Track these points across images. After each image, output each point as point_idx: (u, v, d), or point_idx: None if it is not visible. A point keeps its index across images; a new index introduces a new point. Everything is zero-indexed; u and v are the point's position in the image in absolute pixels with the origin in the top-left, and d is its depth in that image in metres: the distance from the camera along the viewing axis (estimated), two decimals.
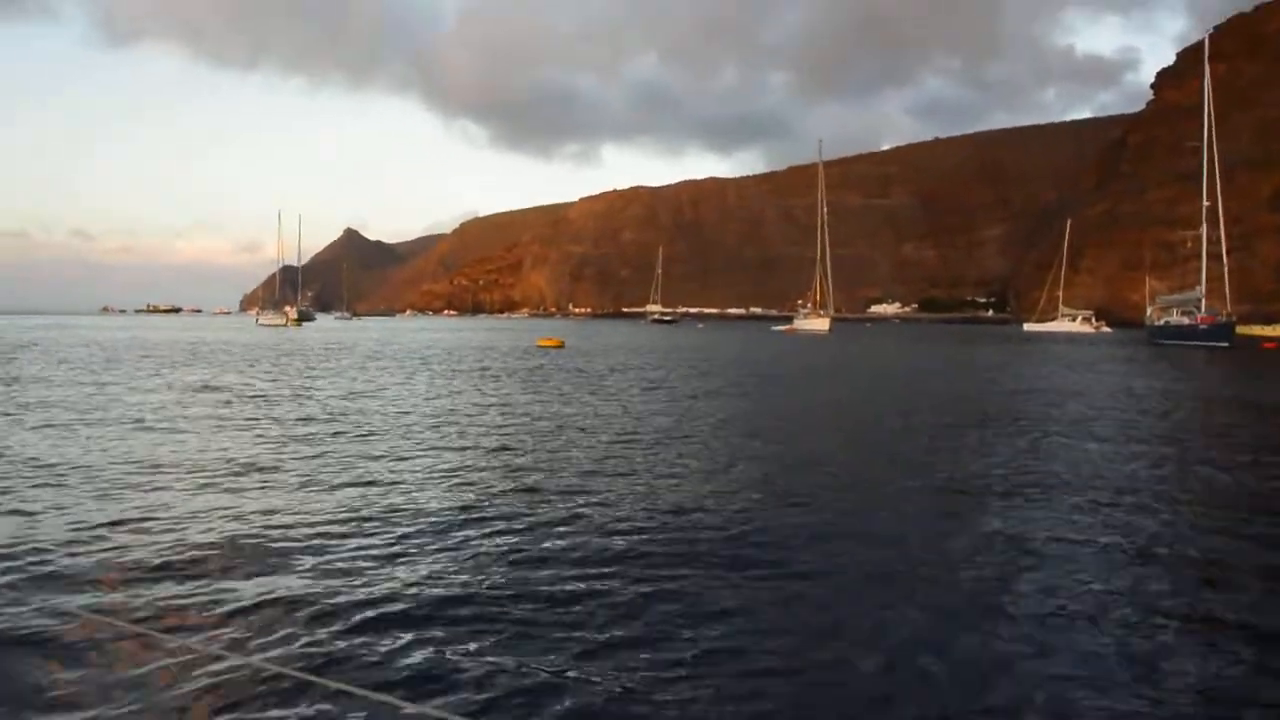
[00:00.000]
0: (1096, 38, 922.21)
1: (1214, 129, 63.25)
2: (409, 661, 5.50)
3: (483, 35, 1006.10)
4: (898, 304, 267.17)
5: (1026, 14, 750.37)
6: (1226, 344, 58.93)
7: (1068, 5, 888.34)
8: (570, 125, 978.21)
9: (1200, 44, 79.71)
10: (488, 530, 8.72)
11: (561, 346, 56.85)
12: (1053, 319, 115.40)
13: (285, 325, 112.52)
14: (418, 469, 12.00)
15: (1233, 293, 63.63)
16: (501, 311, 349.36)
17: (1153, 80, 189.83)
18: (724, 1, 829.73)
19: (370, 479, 11.19)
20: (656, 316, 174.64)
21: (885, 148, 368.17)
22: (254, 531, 8.56)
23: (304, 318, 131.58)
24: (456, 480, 11.23)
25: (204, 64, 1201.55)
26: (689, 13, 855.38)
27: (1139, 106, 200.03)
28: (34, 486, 10.46)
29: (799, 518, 9.33)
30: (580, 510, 9.56)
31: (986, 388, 27.57)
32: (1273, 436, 17.25)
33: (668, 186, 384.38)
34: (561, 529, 8.79)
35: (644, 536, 8.50)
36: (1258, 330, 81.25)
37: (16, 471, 11.39)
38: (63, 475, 11.17)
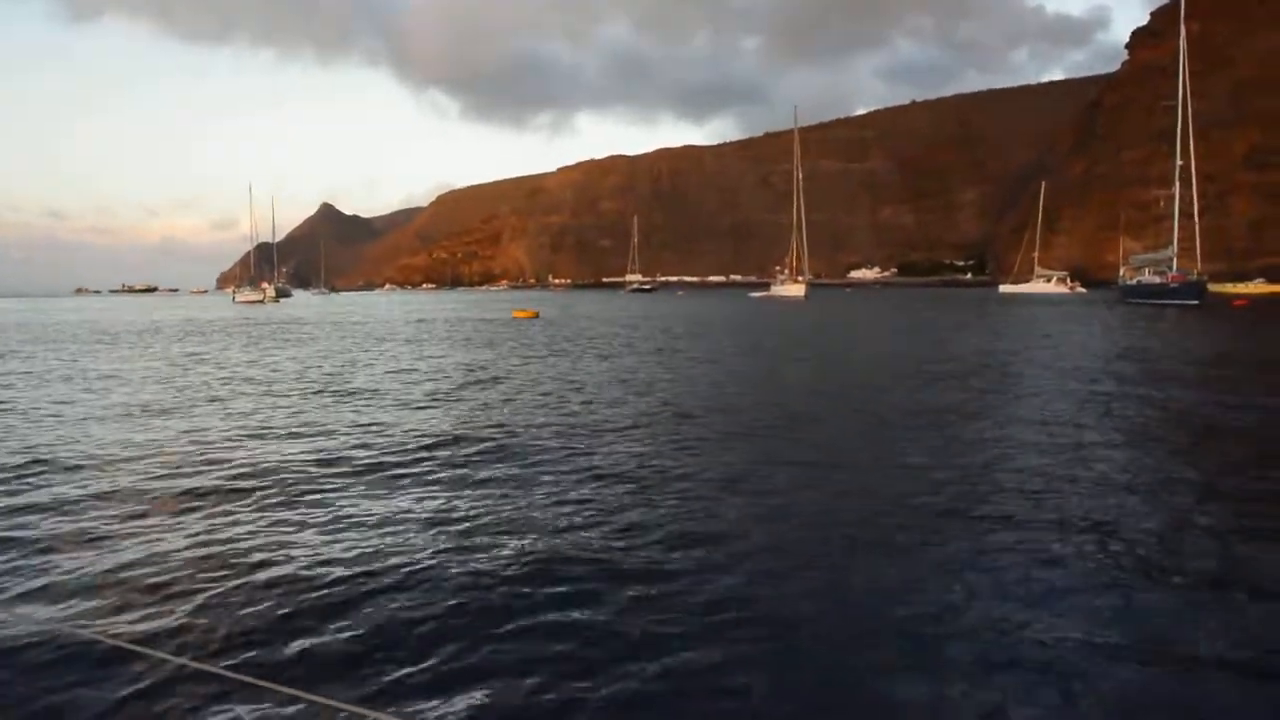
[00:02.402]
0: None
1: (1189, 88, 63.37)
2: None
3: (450, 5, 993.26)
4: (877, 269, 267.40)
5: None
6: (1197, 302, 59.46)
7: None
8: (542, 95, 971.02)
9: (1175, 3, 79.52)
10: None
11: (536, 317, 56.82)
12: (1028, 280, 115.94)
13: (263, 302, 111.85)
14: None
15: (1207, 251, 64.15)
16: (481, 284, 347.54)
17: (1127, 40, 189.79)
18: None
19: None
20: (636, 286, 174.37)
21: (860, 112, 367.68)
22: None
23: (281, 294, 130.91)
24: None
25: (172, 38, 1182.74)
26: None
27: (1111, 66, 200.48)
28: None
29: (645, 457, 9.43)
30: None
31: (895, 346, 27.81)
32: (1179, 383, 17.43)
33: (645, 155, 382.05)
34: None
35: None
36: (1229, 288, 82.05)
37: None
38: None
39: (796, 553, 7.10)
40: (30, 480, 9.80)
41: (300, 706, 4.65)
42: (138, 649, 5.11)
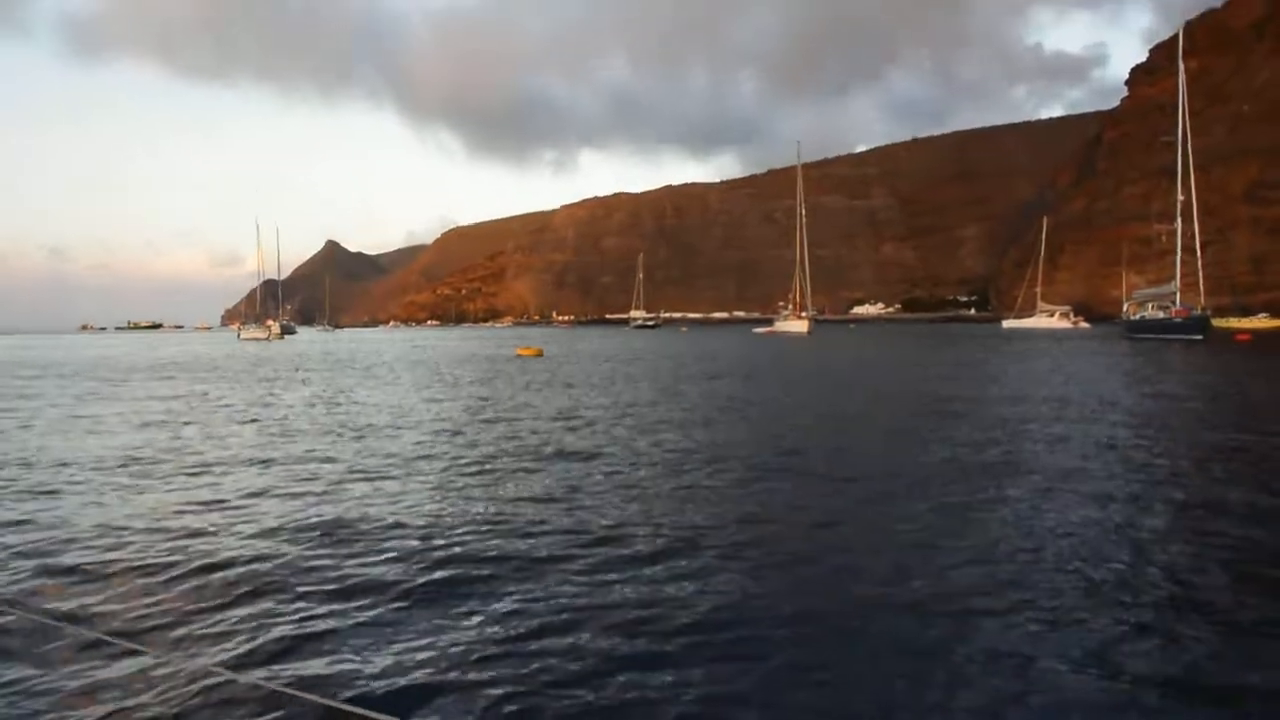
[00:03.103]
0: (1064, 35, 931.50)
1: (1188, 124, 63.69)
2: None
3: (452, 43, 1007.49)
4: (880, 304, 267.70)
5: (993, 12, 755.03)
6: (1200, 336, 59.32)
7: (1034, 3, 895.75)
8: (545, 132, 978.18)
9: (1173, 39, 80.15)
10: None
11: (541, 355, 56.72)
12: (1031, 315, 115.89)
13: (268, 339, 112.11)
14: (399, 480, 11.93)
15: (1210, 286, 64.14)
16: (485, 320, 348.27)
17: (1126, 77, 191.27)
18: (691, 3, 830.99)
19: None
20: (640, 322, 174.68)
21: (861, 149, 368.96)
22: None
23: (286, 331, 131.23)
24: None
25: (175, 76, 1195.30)
26: (657, 15, 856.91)
27: (1109, 102, 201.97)
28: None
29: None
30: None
31: (907, 382, 27.72)
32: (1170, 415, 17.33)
33: (649, 192, 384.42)
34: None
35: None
36: (1233, 323, 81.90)
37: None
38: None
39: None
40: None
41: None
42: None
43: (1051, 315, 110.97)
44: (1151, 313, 68.63)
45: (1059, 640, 5.92)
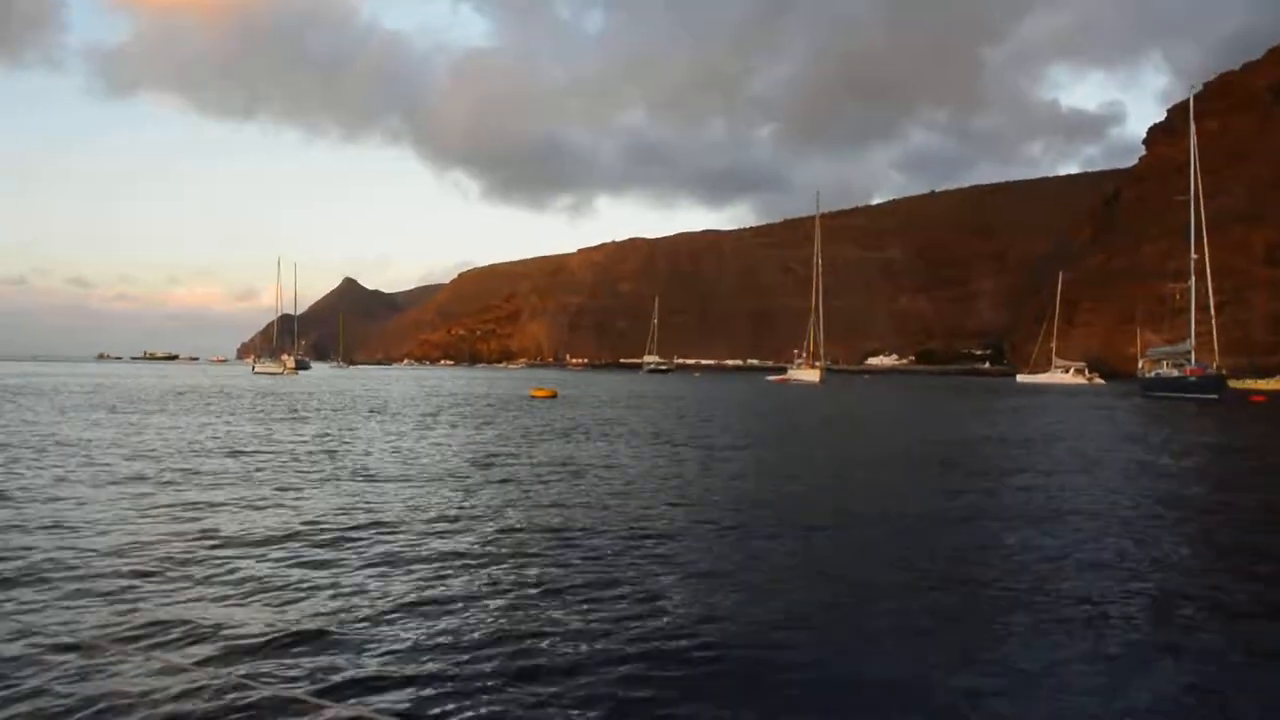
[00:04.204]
0: (1080, 93, 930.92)
1: (1200, 184, 63.79)
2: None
3: (471, 87, 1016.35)
4: (895, 355, 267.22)
5: (1010, 69, 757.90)
6: (1216, 396, 58.81)
7: (1051, 61, 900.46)
8: (562, 177, 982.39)
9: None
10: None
11: (554, 396, 56.72)
12: (1046, 371, 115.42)
13: (282, 374, 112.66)
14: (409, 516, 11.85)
15: (1227, 346, 63.78)
16: (499, 361, 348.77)
17: (1143, 135, 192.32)
18: (710, 55, 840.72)
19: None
20: (653, 367, 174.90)
21: (876, 201, 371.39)
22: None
23: (300, 366, 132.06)
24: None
25: (201, 114, 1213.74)
26: (674, 65, 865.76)
27: (1125, 160, 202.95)
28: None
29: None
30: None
31: (891, 431, 27.50)
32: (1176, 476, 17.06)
33: (665, 238, 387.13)
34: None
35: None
36: (1250, 384, 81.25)
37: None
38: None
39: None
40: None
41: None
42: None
43: (1066, 371, 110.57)
44: (1166, 371, 68.17)
45: None
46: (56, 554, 9.31)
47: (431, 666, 6.21)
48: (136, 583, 8.25)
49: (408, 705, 5.48)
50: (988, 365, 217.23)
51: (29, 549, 9.52)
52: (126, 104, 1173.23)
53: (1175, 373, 65.74)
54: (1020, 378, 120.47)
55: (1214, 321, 62.17)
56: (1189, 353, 65.27)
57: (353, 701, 5.41)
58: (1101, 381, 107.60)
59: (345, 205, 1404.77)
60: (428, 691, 5.75)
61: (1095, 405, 50.76)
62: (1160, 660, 6.63)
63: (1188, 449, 24.43)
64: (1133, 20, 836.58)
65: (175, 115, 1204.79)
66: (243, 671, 5.83)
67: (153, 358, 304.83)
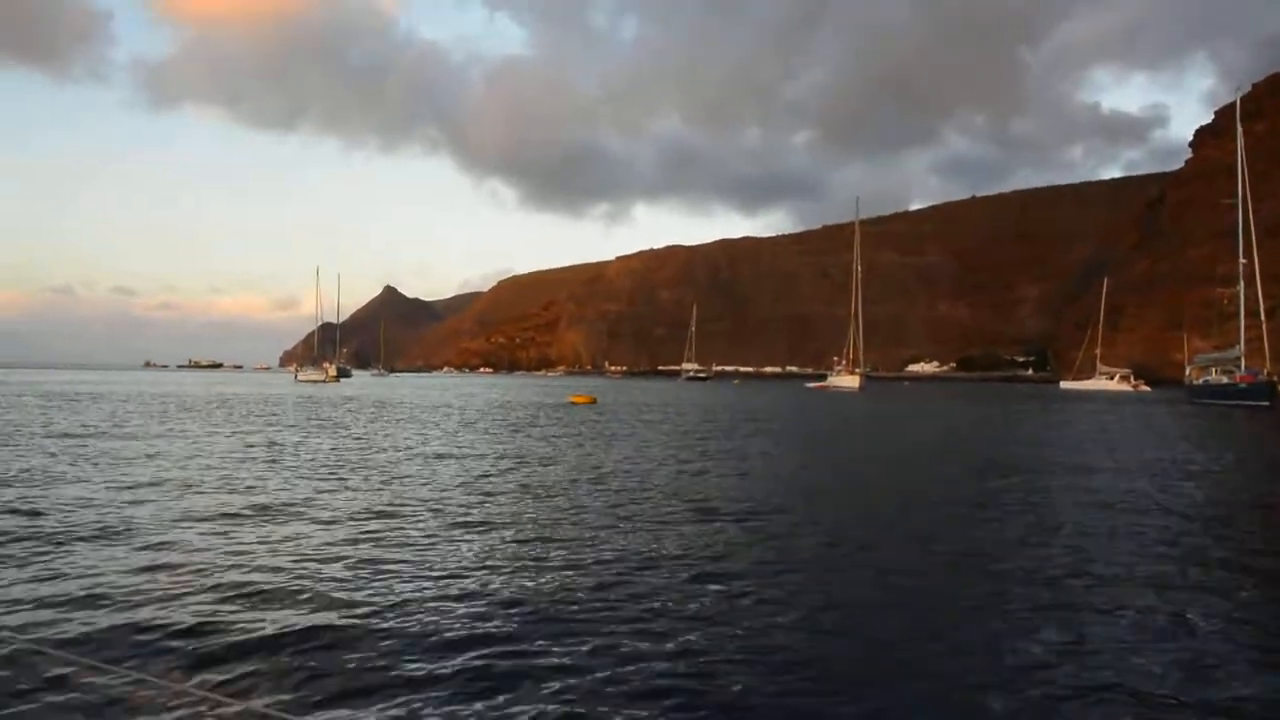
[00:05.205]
0: (1123, 95, 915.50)
1: (1249, 187, 62.83)
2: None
3: (507, 97, 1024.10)
4: (935, 363, 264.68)
5: (1051, 72, 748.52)
6: (1267, 403, 57.71)
7: (1093, 63, 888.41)
8: (598, 185, 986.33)
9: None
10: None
11: (594, 403, 57.08)
12: (1090, 378, 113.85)
13: (324, 381, 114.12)
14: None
15: (1276, 351, 62.54)
16: (538, 369, 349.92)
17: (1189, 138, 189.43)
18: (745, 60, 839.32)
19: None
20: (691, 374, 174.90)
21: (915, 206, 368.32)
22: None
23: (342, 374, 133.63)
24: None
25: (243, 126, 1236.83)
26: (710, 71, 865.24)
27: (1169, 164, 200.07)
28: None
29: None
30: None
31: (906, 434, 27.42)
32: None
33: (703, 246, 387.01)
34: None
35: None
36: None
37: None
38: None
39: None
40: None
41: None
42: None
43: (1111, 378, 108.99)
44: (1215, 377, 67.07)
45: None
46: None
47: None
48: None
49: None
50: (1030, 372, 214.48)
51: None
52: (170, 116, 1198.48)
53: (1224, 379, 64.66)
54: (1064, 384, 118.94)
55: (1264, 327, 61.03)
56: (1238, 359, 64.19)
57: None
58: (1147, 388, 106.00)
59: (385, 214, 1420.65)
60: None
61: (1141, 413, 50.06)
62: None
63: (1241, 457, 24.20)
64: (1177, 21, 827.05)
65: (217, 126, 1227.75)
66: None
67: (197, 365, 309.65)
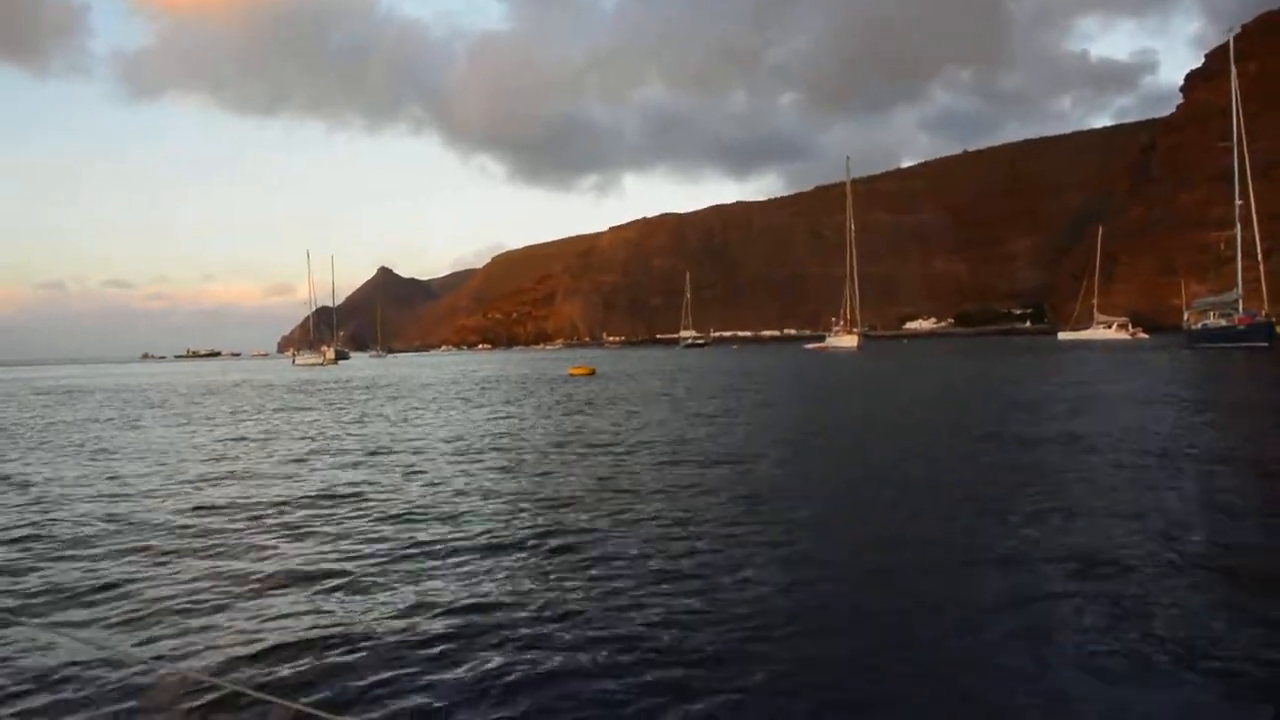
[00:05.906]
0: (1110, 42, 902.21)
1: (1243, 128, 62.55)
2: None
3: (489, 71, 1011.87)
4: (932, 319, 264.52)
5: (1036, 23, 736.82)
6: (1265, 344, 57.84)
7: (1078, 12, 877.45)
8: (586, 156, 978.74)
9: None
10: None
11: (592, 374, 57.18)
12: (1088, 327, 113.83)
13: (322, 364, 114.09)
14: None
15: (1277, 293, 62.64)
16: (535, 343, 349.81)
17: (1179, 83, 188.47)
18: (728, 24, 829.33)
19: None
20: (689, 341, 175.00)
21: (906, 164, 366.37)
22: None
23: (340, 357, 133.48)
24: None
25: (226, 112, 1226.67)
26: (693, 37, 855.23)
27: (1160, 109, 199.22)
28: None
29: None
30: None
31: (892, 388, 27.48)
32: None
33: (695, 213, 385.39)
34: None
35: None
36: None
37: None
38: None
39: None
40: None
41: None
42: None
43: (1109, 327, 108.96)
44: (1214, 321, 67.15)
45: None
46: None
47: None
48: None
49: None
50: (1028, 325, 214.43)
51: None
52: (153, 106, 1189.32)
53: (1223, 322, 64.76)
54: (1062, 335, 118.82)
55: (1261, 268, 61.10)
56: (1237, 301, 64.22)
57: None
58: (1145, 336, 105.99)
59: (375, 195, 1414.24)
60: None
61: (1150, 361, 50.05)
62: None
63: (1237, 400, 24.26)
64: None
65: (201, 115, 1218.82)
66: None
67: (195, 355, 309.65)
